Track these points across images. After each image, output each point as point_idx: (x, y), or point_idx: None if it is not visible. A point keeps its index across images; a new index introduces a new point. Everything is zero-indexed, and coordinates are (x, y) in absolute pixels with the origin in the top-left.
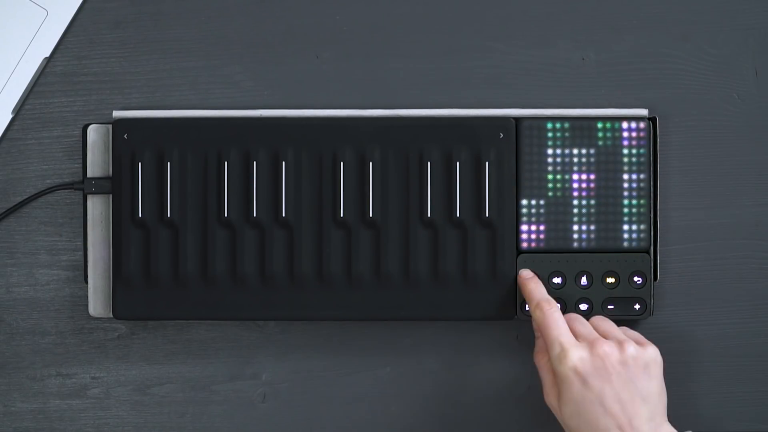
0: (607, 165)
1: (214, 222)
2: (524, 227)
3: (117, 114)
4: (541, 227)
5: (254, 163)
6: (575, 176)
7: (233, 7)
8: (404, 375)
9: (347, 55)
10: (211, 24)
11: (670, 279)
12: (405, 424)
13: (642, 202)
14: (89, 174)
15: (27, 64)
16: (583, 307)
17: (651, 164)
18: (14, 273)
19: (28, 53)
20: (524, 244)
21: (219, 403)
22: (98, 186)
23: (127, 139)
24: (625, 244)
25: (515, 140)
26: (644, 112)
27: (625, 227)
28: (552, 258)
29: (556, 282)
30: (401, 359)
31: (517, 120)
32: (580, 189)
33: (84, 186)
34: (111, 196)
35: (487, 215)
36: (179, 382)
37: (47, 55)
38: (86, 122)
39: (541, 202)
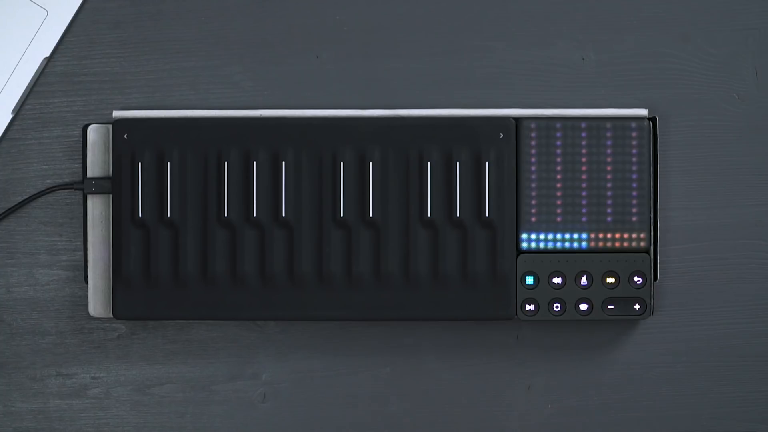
0: (607, 165)
1: (214, 222)
2: (524, 227)
3: (117, 114)
4: (541, 227)
5: (254, 163)
6: (575, 176)
7: (233, 7)
8: (404, 375)
9: (347, 55)
10: (211, 24)
11: (670, 279)
12: (405, 424)
13: (642, 202)
14: (89, 174)
15: (27, 64)
16: (583, 307)
17: (651, 164)
18: (14, 273)
19: (28, 53)
20: (524, 244)
21: (219, 403)
22: (98, 186)
23: (127, 139)
24: (625, 244)
25: (515, 140)
26: (644, 112)
27: (625, 227)
28: (552, 258)
29: (556, 282)
30: (401, 359)
31: (517, 120)
32: (580, 189)
33: (84, 186)
34: (111, 196)
35: (487, 215)
36: (179, 382)
37: (47, 55)
38: (86, 122)
39: (541, 202)
